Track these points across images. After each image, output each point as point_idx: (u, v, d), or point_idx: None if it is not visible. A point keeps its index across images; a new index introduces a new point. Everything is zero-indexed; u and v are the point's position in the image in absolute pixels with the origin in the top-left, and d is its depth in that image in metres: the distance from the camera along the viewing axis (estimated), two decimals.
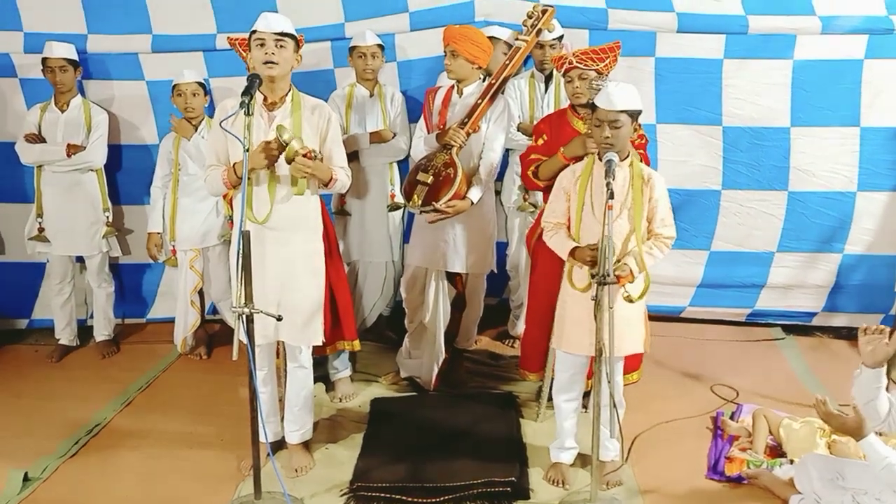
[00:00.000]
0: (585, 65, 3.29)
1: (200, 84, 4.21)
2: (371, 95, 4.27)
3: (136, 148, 4.60)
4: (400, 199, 4.39)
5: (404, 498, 3.04)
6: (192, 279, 4.34)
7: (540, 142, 3.46)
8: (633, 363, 3.62)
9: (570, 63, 3.33)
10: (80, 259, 4.58)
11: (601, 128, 2.87)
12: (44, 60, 4.22)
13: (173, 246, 4.34)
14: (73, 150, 4.27)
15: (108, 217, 4.47)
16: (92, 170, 4.38)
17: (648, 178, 2.95)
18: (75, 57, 4.26)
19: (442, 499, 3.03)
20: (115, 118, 4.51)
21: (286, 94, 3.04)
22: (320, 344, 3.28)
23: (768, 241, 4.56)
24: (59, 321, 4.57)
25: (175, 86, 4.18)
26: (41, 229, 4.41)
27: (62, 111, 4.32)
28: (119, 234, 4.63)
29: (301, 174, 2.93)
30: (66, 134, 4.31)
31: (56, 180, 4.34)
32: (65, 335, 4.58)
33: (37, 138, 4.30)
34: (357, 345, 3.87)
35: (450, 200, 3.51)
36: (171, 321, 4.51)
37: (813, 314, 4.71)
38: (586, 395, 3.30)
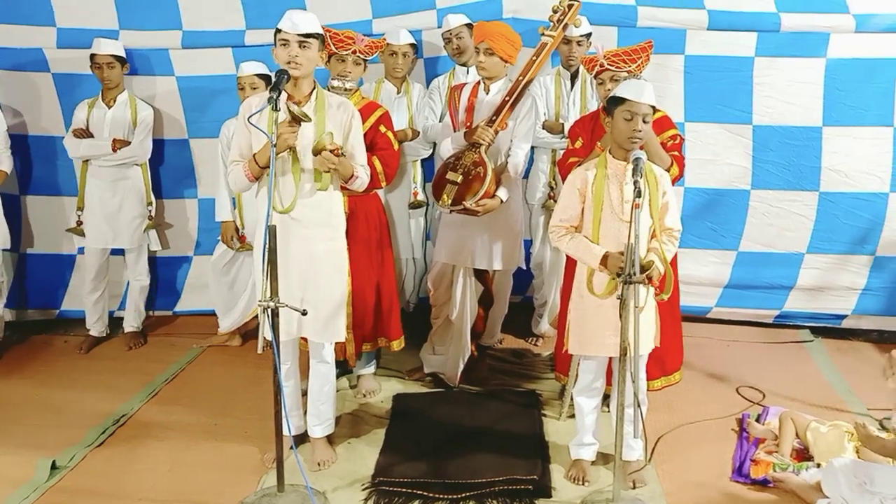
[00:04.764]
0: (617, 66, 3.26)
1: (260, 76, 4.12)
2: (399, 93, 4.28)
3: (170, 143, 4.65)
4: (422, 196, 4.41)
5: (426, 493, 3.03)
6: None
7: (578, 144, 3.44)
8: (674, 363, 3.59)
9: (602, 66, 3.30)
10: (120, 251, 4.62)
11: (633, 121, 2.81)
12: (92, 56, 4.28)
13: (242, 233, 4.35)
14: (118, 145, 4.34)
15: (150, 210, 4.54)
16: (137, 164, 4.45)
17: (660, 175, 2.93)
18: (122, 53, 4.32)
19: (463, 495, 3.02)
20: (158, 113, 4.55)
21: (310, 93, 3.03)
22: (342, 340, 3.28)
23: (798, 242, 4.49)
24: (90, 315, 4.61)
25: (238, 79, 4.14)
26: (79, 222, 4.49)
27: (109, 107, 4.38)
28: (158, 228, 4.69)
29: (325, 168, 2.95)
30: (113, 129, 4.37)
31: (102, 174, 4.42)
32: (96, 328, 4.63)
33: (84, 133, 4.37)
34: (396, 345, 3.86)
35: (480, 199, 3.49)
36: (199, 314, 4.54)
37: (842, 316, 4.62)
38: (606, 396, 3.28)
